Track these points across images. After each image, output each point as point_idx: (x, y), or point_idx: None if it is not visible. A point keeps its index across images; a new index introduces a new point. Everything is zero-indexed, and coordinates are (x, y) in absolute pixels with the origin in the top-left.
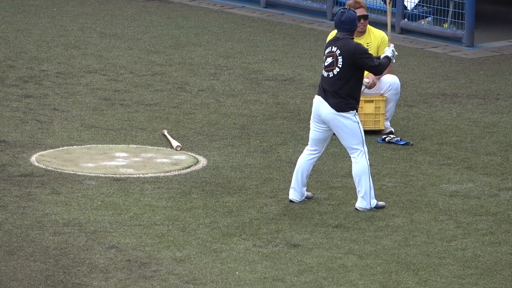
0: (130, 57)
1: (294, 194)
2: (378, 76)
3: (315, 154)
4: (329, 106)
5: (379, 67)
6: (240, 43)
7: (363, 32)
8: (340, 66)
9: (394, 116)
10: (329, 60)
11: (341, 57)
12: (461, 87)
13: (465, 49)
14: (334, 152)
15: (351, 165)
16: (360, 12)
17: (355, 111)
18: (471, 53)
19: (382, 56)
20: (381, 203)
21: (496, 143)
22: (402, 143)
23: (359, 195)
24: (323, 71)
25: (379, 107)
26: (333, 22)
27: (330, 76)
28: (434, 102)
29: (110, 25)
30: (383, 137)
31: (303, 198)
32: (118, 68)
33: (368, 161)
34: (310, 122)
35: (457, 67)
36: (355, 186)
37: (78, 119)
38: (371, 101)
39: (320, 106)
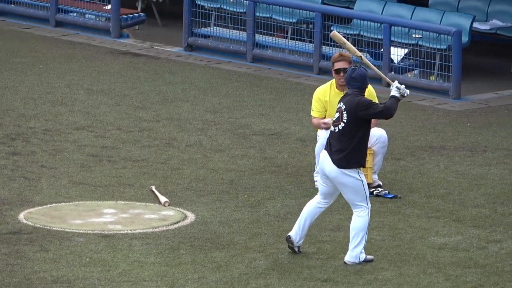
0: (118, 113)
1: (295, 234)
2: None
3: (324, 205)
4: (332, 163)
5: (386, 110)
6: (227, 98)
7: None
8: (345, 121)
9: (382, 169)
10: (337, 115)
11: (345, 112)
12: (449, 140)
13: (452, 102)
14: None
15: (339, 219)
16: (341, 65)
17: (359, 168)
18: (458, 106)
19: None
20: (369, 256)
21: (484, 195)
22: (390, 196)
23: (350, 248)
24: (332, 126)
25: (367, 160)
26: (319, 76)
27: (336, 131)
28: (422, 155)
29: (97, 81)
30: (371, 190)
31: (299, 242)
32: (106, 125)
33: (369, 218)
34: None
35: (444, 119)
36: (343, 240)
37: (66, 176)
38: None
39: (324, 162)
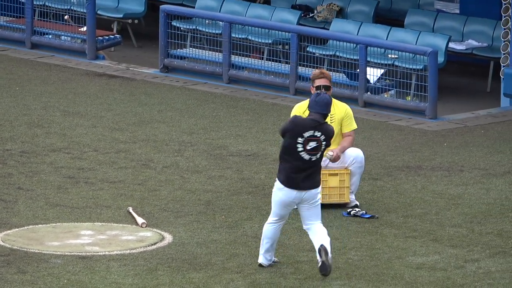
0: (94, 135)
1: (264, 259)
2: (340, 149)
3: (283, 222)
4: (314, 186)
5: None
6: (204, 119)
7: None
8: (322, 150)
9: (359, 189)
10: (313, 144)
11: (324, 142)
12: (425, 160)
13: (429, 122)
14: (299, 226)
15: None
16: (321, 82)
17: None
18: (434, 125)
19: None
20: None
21: (462, 215)
22: (367, 216)
23: (328, 252)
24: (304, 153)
25: (344, 180)
26: (295, 97)
27: (313, 159)
28: (399, 175)
29: (73, 103)
30: (348, 210)
31: (271, 262)
32: (82, 146)
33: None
34: (276, 202)
35: (420, 139)
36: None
37: (43, 198)
38: (336, 175)
39: (306, 194)
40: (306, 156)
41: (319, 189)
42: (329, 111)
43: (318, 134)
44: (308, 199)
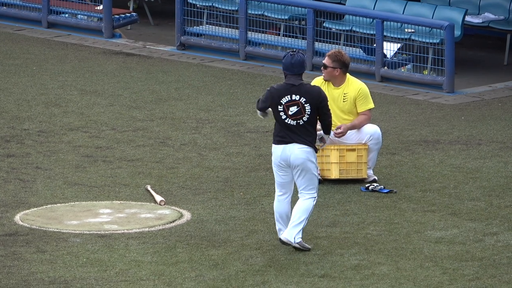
0: (112, 113)
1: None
2: (349, 126)
3: (288, 195)
4: (303, 151)
5: (330, 119)
6: (221, 96)
7: (329, 81)
8: (309, 113)
9: (377, 164)
10: (294, 109)
11: (308, 104)
12: (443, 134)
13: (446, 96)
14: (319, 202)
15: (335, 214)
16: (324, 60)
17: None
18: (451, 99)
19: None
20: (306, 245)
21: (480, 188)
22: (385, 191)
23: (289, 227)
24: (288, 119)
25: (361, 155)
26: (312, 73)
27: (301, 123)
28: (417, 149)
29: (90, 82)
30: (366, 185)
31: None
32: (100, 125)
33: (313, 207)
34: (274, 169)
35: (438, 113)
36: (340, 236)
37: (61, 177)
38: (353, 150)
39: (291, 151)
40: (292, 122)
41: (310, 156)
42: (304, 69)
43: (296, 97)
44: (296, 162)
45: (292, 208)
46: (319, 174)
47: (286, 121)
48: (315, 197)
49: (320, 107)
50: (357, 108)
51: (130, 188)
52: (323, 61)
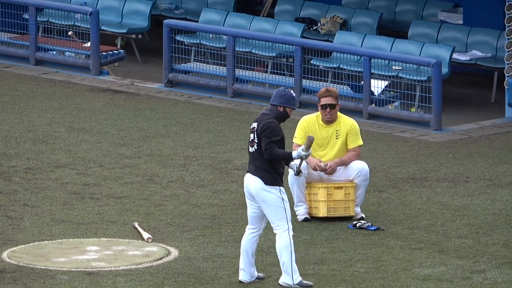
0: (99, 150)
1: (243, 275)
2: (337, 162)
3: (256, 232)
4: (255, 180)
5: (271, 151)
6: (208, 133)
7: (331, 121)
8: (257, 141)
9: (364, 202)
10: (251, 136)
11: (256, 132)
12: (431, 171)
13: (433, 133)
14: (306, 239)
15: (322, 252)
16: (327, 100)
17: (280, 187)
18: (439, 137)
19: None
20: (306, 282)
21: (467, 226)
22: (373, 228)
23: (282, 270)
24: (248, 146)
25: (349, 193)
26: (300, 110)
27: (253, 151)
28: (404, 187)
29: (78, 119)
30: (354, 223)
31: (253, 279)
32: (87, 162)
33: (291, 238)
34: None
35: (425, 151)
36: (328, 273)
37: (49, 214)
38: (341, 188)
39: (248, 181)
40: (250, 149)
41: (266, 186)
42: (289, 106)
43: (255, 125)
44: (253, 192)
45: (257, 248)
46: (307, 212)
47: (248, 148)
48: (287, 228)
49: (262, 136)
50: (348, 144)
51: (117, 225)
52: (323, 103)
